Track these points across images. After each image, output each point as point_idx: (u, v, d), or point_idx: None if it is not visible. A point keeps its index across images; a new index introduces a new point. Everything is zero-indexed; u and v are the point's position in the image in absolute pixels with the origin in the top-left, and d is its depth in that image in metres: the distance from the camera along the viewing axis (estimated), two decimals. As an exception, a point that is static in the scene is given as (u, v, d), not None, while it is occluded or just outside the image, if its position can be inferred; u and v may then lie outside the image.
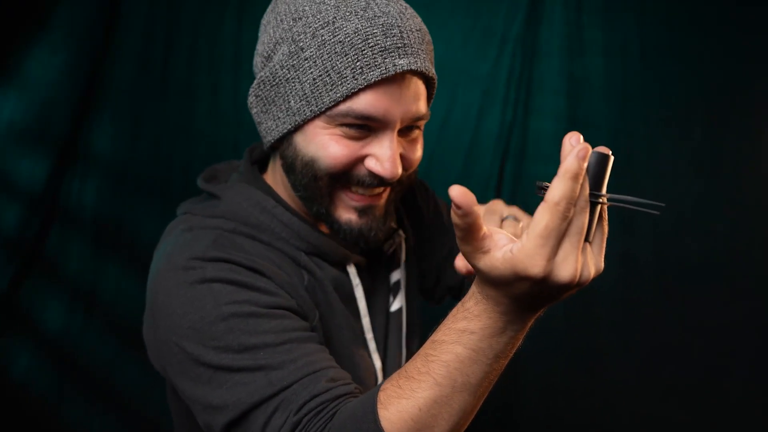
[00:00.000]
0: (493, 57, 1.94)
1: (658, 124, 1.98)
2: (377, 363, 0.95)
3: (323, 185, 0.85)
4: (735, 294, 1.98)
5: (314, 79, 0.80)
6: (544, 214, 0.54)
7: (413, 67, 0.79)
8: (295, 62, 0.82)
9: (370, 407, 0.65)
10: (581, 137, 0.54)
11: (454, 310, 0.65)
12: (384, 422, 0.63)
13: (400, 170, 0.83)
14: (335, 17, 0.79)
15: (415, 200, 1.14)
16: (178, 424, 0.97)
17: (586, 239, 0.57)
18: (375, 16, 0.79)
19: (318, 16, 0.80)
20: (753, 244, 1.97)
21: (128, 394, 1.94)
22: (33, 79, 1.85)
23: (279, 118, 0.86)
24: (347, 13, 0.79)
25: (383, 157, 0.82)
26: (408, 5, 0.86)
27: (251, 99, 0.89)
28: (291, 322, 0.78)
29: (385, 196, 0.89)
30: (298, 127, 0.84)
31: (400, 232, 1.03)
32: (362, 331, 0.95)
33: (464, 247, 0.59)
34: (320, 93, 0.80)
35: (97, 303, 1.94)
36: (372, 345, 0.95)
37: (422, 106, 0.84)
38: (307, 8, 0.81)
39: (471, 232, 0.57)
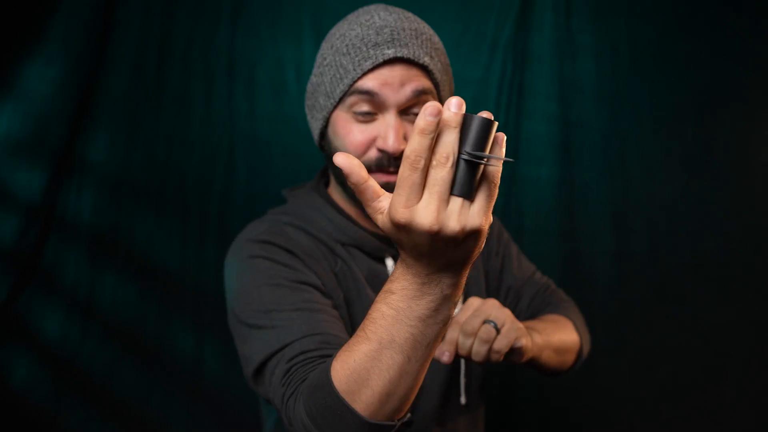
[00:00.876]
0: (485, 62, 1.96)
1: (651, 125, 2.00)
2: None
3: None
4: (730, 294, 2.00)
5: (331, 78, 1.01)
6: (401, 167, 0.60)
7: (399, 54, 0.96)
8: (321, 69, 1.04)
9: (331, 360, 0.74)
10: (463, 104, 0.58)
11: None
12: (332, 371, 0.72)
13: (403, 146, 0.97)
14: (346, 30, 1.01)
15: None
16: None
17: (468, 197, 0.60)
18: (374, 23, 0.99)
19: (336, 33, 1.03)
20: (746, 244, 1.99)
21: (127, 402, 1.94)
22: (29, 90, 1.85)
23: (317, 118, 1.07)
24: (354, 24, 1.01)
25: (385, 132, 0.97)
26: (411, 14, 1.05)
27: (306, 110, 1.11)
28: (311, 295, 0.95)
29: None
30: (327, 122, 1.04)
31: None
32: None
33: (367, 210, 0.65)
34: (334, 87, 1.00)
35: (95, 311, 1.94)
36: None
37: (419, 84, 0.98)
38: (333, 30, 1.05)
39: (364, 193, 0.63)
